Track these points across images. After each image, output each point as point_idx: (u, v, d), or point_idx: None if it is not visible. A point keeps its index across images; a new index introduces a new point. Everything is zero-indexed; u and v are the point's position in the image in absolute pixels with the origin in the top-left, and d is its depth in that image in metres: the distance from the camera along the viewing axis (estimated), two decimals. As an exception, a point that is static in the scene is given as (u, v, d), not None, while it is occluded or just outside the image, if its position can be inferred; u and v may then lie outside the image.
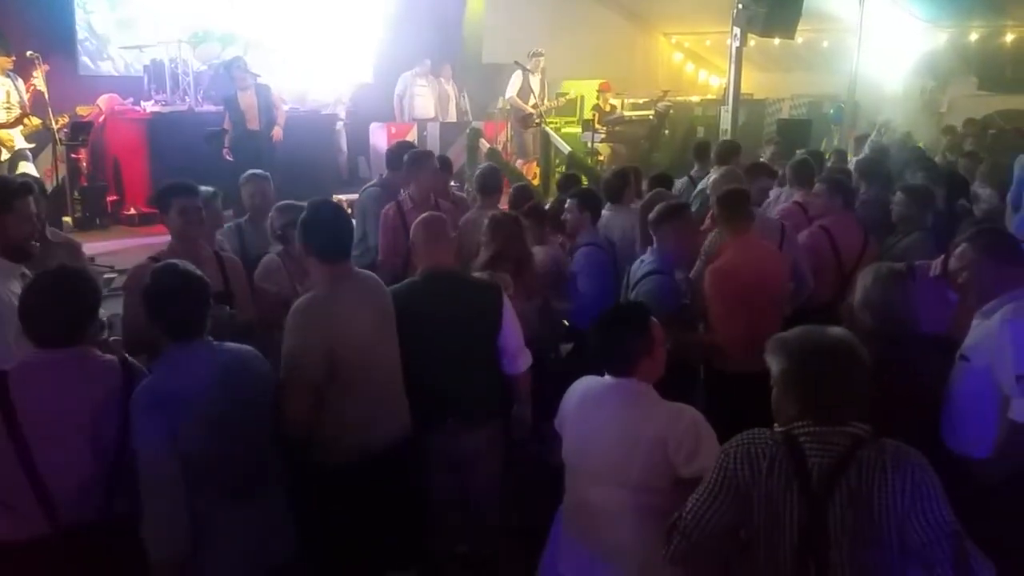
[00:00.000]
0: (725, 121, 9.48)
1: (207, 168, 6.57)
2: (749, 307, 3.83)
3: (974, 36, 11.33)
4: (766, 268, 3.96)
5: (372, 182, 5.59)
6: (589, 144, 10.71)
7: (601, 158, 10.72)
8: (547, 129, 10.31)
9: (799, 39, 9.83)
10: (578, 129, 11.09)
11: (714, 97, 12.59)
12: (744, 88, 11.90)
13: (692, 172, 6.51)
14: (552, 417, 2.79)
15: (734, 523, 2.08)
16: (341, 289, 2.83)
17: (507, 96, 10.24)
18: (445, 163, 5.71)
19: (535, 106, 10.28)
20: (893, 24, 10.55)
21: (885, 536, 1.90)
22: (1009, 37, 11.06)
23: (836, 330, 2.12)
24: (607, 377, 2.58)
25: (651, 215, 4.04)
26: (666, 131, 10.98)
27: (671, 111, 11.26)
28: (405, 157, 4.92)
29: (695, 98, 13.01)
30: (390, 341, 2.99)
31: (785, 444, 2.00)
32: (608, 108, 11.30)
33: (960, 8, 10.59)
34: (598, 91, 11.30)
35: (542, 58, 10.24)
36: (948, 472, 3.03)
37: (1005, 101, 11.27)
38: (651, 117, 11.17)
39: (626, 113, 11.16)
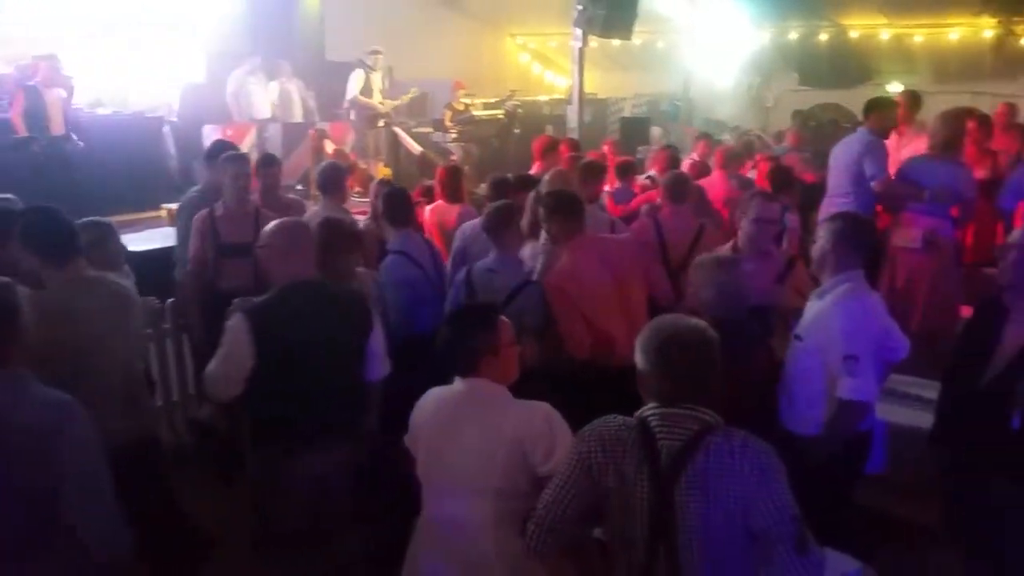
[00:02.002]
0: (571, 120, 9.66)
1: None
2: (603, 306, 3.85)
3: (793, 35, 12.12)
4: (608, 263, 3.93)
5: (195, 187, 5.31)
6: (441, 143, 10.66)
7: (454, 158, 10.67)
8: (396, 129, 10.14)
9: (637, 40, 10.18)
10: (429, 129, 10.99)
11: (561, 96, 12.83)
12: (588, 88, 12.20)
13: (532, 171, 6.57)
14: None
15: (589, 507, 2.10)
16: (67, 289, 2.93)
17: (348, 96, 9.97)
18: (270, 161, 5.39)
19: (380, 105, 10.08)
20: (721, 25, 11.09)
21: (730, 517, 1.95)
22: (824, 36, 11.90)
23: (689, 320, 2.18)
24: (456, 383, 2.52)
25: (489, 220, 3.96)
26: (516, 130, 11.06)
27: (520, 110, 11.36)
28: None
29: (543, 98, 13.22)
30: (119, 344, 3.02)
31: (637, 428, 2.05)
32: (461, 107, 11.28)
33: (780, 9, 11.29)
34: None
35: (381, 55, 10.04)
36: (783, 451, 3.21)
37: (823, 95, 12.15)
38: (501, 116, 11.23)
39: (476, 113, 11.16)
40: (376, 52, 10.00)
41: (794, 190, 6.07)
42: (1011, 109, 7.03)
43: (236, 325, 2.90)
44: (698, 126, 12.25)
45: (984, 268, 5.18)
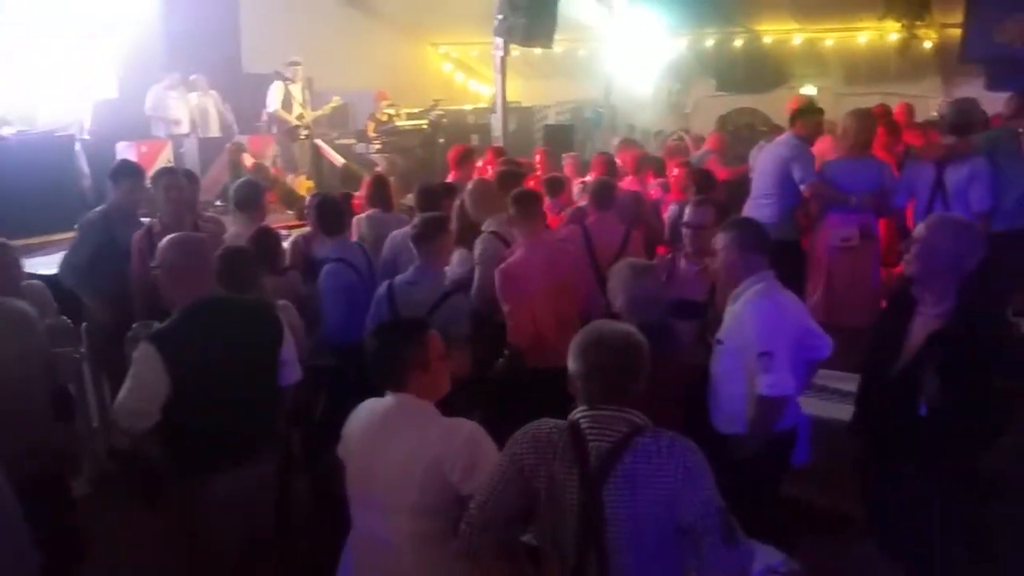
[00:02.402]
0: (496, 128, 9.70)
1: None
2: (541, 305, 3.98)
3: (709, 42, 12.39)
4: (557, 267, 4.14)
5: (100, 207, 5.17)
6: (365, 155, 10.55)
7: (379, 169, 10.57)
8: (318, 142, 10.00)
9: (558, 48, 10.27)
10: (352, 140, 10.86)
11: (486, 105, 12.84)
12: (512, 96, 12.26)
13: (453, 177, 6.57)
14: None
15: (522, 509, 2.13)
16: None
17: (268, 109, 9.80)
18: (188, 178, 5.31)
19: (299, 117, 9.92)
20: (640, 33, 11.28)
21: (659, 516, 1.99)
22: (739, 42, 12.20)
23: (617, 324, 2.26)
24: (387, 396, 2.50)
25: (417, 230, 3.98)
26: (441, 140, 11.02)
27: (444, 120, 11.34)
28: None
29: (468, 107, 13.20)
30: (18, 369, 2.95)
31: (568, 430, 2.08)
32: (385, 118, 11.19)
33: (696, 17, 11.53)
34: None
35: (300, 66, 9.90)
36: (713, 449, 3.29)
37: (740, 100, 12.46)
38: (425, 126, 11.18)
39: (400, 123, 11.08)
40: (295, 63, 9.86)
41: (717, 192, 6.23)
42: (909, 108, 7.32)
43: (145, 354, 2.81)
44: (624, 132, 12.43)
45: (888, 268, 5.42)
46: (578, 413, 2.13)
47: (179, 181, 4.74)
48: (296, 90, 9.95)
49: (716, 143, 8.98)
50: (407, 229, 4.49)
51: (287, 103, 9.81)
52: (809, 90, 11.29)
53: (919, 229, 2.99)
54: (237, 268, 3.48)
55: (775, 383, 3.04)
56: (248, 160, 8.97)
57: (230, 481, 2.94)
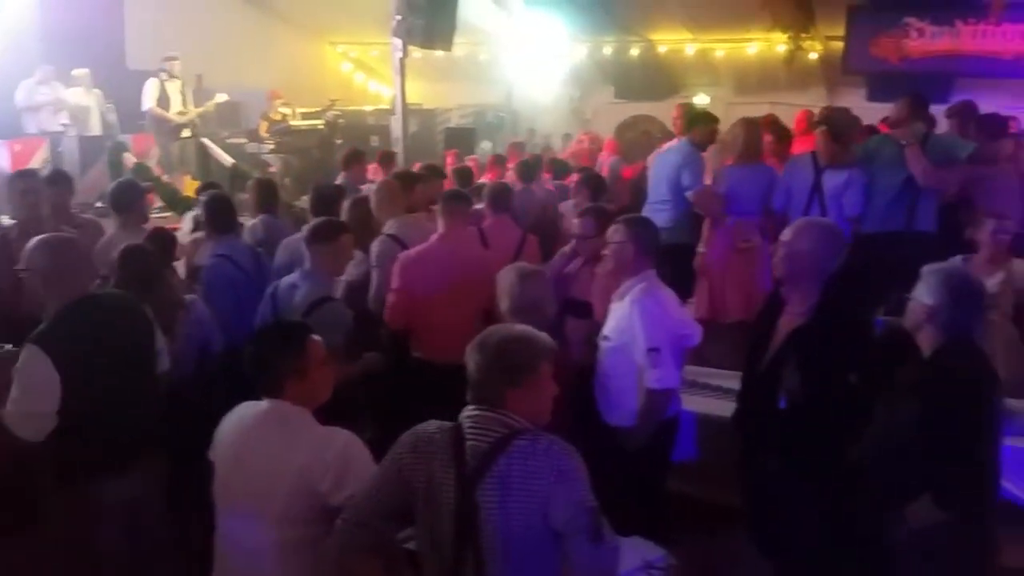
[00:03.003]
0: (396, 130, 9.61)
1: None
2: (440, 298, 4.00)
3: (607, 50, 12.61)
4: (463, 263, 4.15)
5: None
6: (257, 155, 10.24)
7: (272, 170, 10.28)
8: (205, 141, 9.64)
9: (460, 52, 10.24)
10: (243, 140, 10.53)
11: (386, 107, 12.69)
12: (414, 98, 12.13)
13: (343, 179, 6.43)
14: None
15: (399, 507, 2.12)
16: None
17: (144, 106, 9.39)
18: (58, 179, 5.02)
19: (180, 114, 9.54)
20: (540, 38, 11.38)
21: (533, 518, 1.99)
22: (635, 51, 12.46)
23: (512, 327, 2.27)
24: (263, 401, 2.43)
25: (310, 232, 3.87)
26: (338, 140, 10.81)
27: (341, 120, 11.13)
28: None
29: (368, 107, 13.02)
30: None
31: (451, 431, 2.08)
32: (278, 117, 10.88)
33: (594, 25, 11.71)
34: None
35: (178, 61, 9.52)
36: (603, 444, 3.35)
37: (637, 108, 12.71)
38: (321, 127, 10.94)
39: (294, 123, 10.81)
40: (171, 58, 9.47)
41: (619, 193, 6.37)
42: (809, 115, 7.57)
43: (31, 356, 2.72)
44: (524, 137, 12.51)
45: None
46: (465, 412, 2.13)
47: (34, 184, 4.49)
48: (174, 87, 9.55)
49: (613, 148, 9.11)
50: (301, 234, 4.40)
51: (164, 101, 9.41)
52: (702, 99, 11.61)
53: (785, 233, 3.15)
54: (138, 266, 3.47)
55: (662, 377, 3.22)
56: (130, 160, 8.55)
57: (118, 485, 2.86)
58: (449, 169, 7.72)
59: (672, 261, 5.64)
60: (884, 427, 2.73)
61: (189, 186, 8.85)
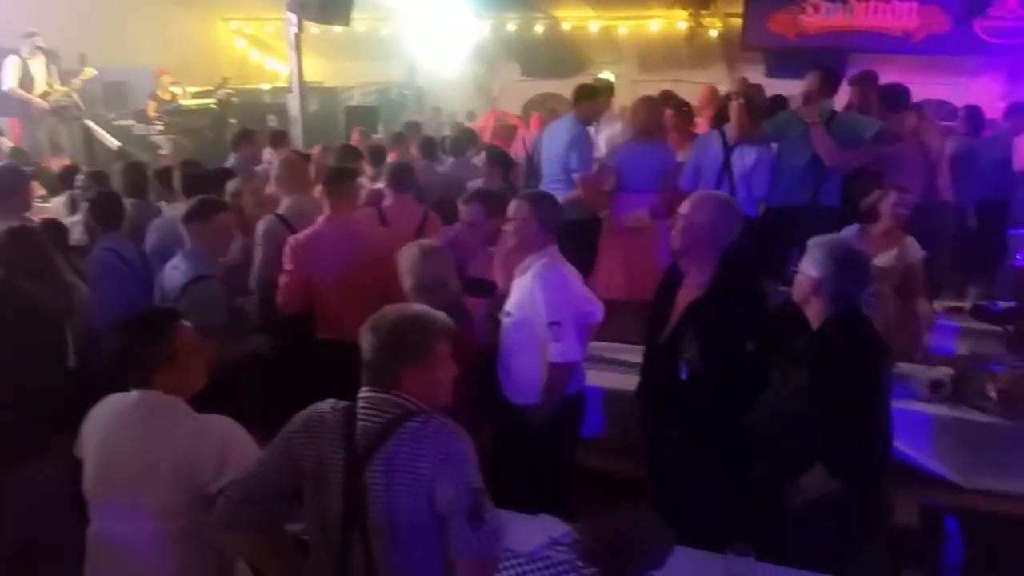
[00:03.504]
0: (293, 108, 9.32)
1: None
2: (336, 278, 3.97)
3: (512, 27, 12.49)
4: (358, 242, 4.11)
5: None
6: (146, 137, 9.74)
7: (163, 152, 9.80)
8: (88, 123, 9.10)
9: (360, 27, 9.95)
10: (131, 121, 10.00)
11: (284, 85, 12.28)
12: (315, 76, 11.76)
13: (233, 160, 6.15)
14: None
15: (286, 487, 2.05)
16: None
17: (4, 87, 8.79)
18: None
19: (44, 95, 8.96)
20: (443, 14, 11.18)
21: (419, 501, 1.94)
22: (539, 28, 12.39)
23: (408, 307, 2.21)
24: (133, 392, 2.32)
25: (188, 211, 3.78)
26: (232, 120, 10.39)
27: (235, 99, 10.70)
28: None
29: (265, 86, 12.59)
30: None
31: (343, 410, 2.02)
32: (168, 97, 10.37)
33: (498, 1, 11.59)
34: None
35: (39, 37, 8.94)
36: (508, 422, 3.31)
37: (544, 85, 12.67)
38: (213, 106, 10.49)
39: (184, 103, 10.33)
40: (31, 34, 8.88)
41: (517, 170, 6.31)
42: (713, 90, 7.63)
43: None
44: (430, 115, 12.32)
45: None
46: (360, 393, 2.08)
47: None
48: (38, 65, 8.95)
49: (540, 125, 9.00)
50: (172, 214, 4.38)
51: (27, 80, 8.82)
52: (607, 76, 11.60)
53: (684, 206, 3.16)
54: (27, 251, 3.30)
55: (565, 350, 3.20)
56: (5, 144, 7.99)
57: (18, 480, 2.81)
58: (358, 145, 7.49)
59: (571, 238, 5.68)
60: (777, 397, 2.76)
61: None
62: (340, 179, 4.27)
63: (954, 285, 5.33)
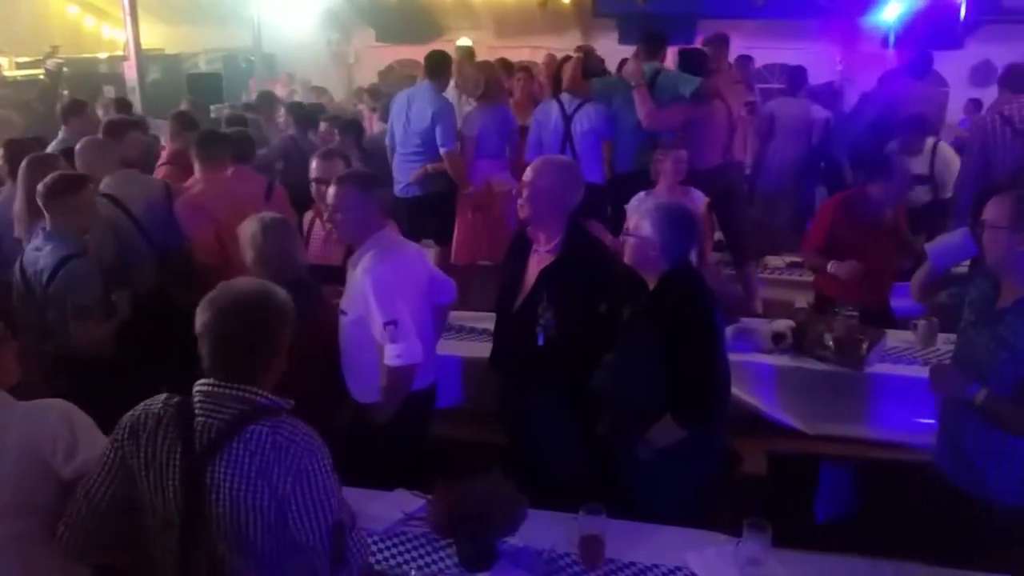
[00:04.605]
0: (131, 77, 8.72)
1: None
2: (228, 232, 3.69)
3: (360, -10, 12.13)
4: (241, 198, 4.07)
5: None
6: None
7: (-13, 128, 8.95)
8: None
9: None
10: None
11: (123, 53, 11.47)
12: (155, 43, 11.04)
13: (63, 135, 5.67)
14: None
15: (126, 496, 1.88)
16: None
17: None
18: None
19: None
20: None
21: (263, 511, 1.79)
22: (395, -8, 12.09)
23: (248, 285, 1.93)
24: None
25: (47, 188, 3.45)
26: (64, 91, 9.61)
27: (66, 69, 9.90)
28: None
29: (102, 55, 11.74)
30: None
31: (178, 406, 1.83)
32: (-10, 68, 9.48)
33: (350, -37, 11.22)
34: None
35: None
36: (353, 421, 3.14)
37: (400, 51, 12.40)
38: (42, 77, 9.68)
39: (8, 74, 9.47)
40: None
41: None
42: (552, 58, 7.65)
43: None
44: (284, 82, 11.79)
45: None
46: (197, 387, 1.86)
47: None
48: None
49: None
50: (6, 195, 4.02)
51: None
52: (465, 42, 11.50)
53: (527, 173, 3.10)
54: None
55: (403, 352, 2.91)
56: None
57: None
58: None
59: (431, 212, 5.61)
60: (622, 353, 2.80)
61: None
62: (210, 143, 4.34)
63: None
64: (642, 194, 4.57)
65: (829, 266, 4.14)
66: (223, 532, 1.80)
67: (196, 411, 1.83)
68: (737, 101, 5.56)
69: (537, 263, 3.08)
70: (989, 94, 6.57)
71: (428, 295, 3.18)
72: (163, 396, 1.91)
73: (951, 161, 5.56)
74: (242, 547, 1.81)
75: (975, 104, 8.84)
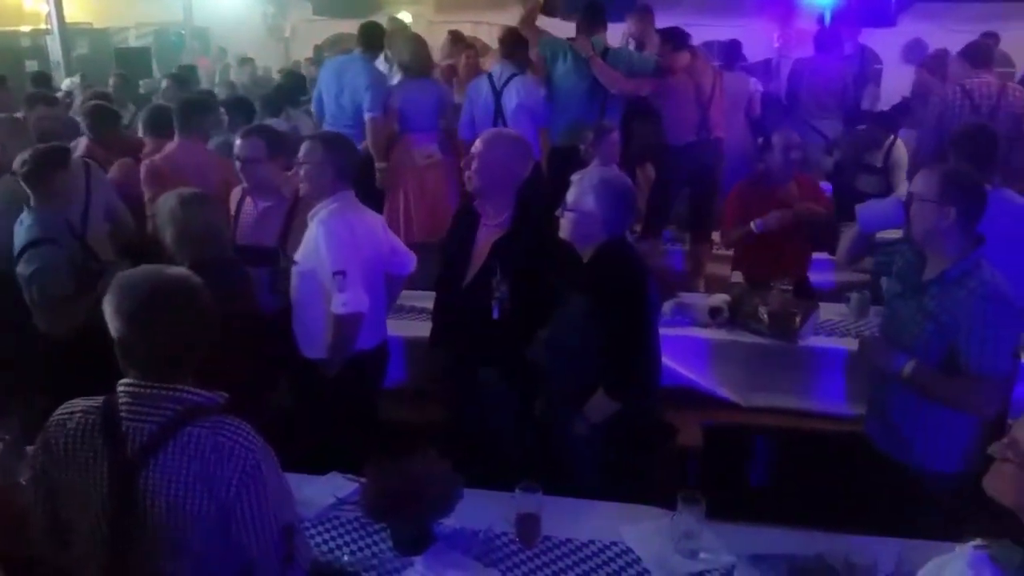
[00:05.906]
0: (55, 52, 8.38)
1: None
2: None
3: (301, -37, 11.81)
4: (208, 170, 4.07)
5: None
6: None
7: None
8: None
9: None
10: None
11: (47, 27, 11.02)
12: (82, 16, 10.61)
13: None
14: None
15: (60, 524, 1.74)
16: None
17: None
18: None
19: None
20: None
21: (206, 521, 1.66)
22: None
23: (165, 271, 1.77)
24: None
25: (28, 167, 3.38)
26: (-17, 67, 9.18)
27: (-16, 43, 9.46)
28: None
29: (25, 28, 11.25)
30: None
31: (102, 409, 1.68)
32: None
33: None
34: None
35: None
36: (304, 377, 3.15)
37: (339, 25, 12.10)
38: (-45, 51, 9.23)
39: (-80, 46, 9.00)
40: None
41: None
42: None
43: None
44: (215, 57, 11.45)
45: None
46: (121, 387, 1.71)
47: None
48: None
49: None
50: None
51: None
52: (405, 16, 11.30)
53: (476, 146, 3.09)
54: None
55: (349, 301, 3.01)
56: None
57: None
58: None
59: (360, 183, 5.52)
60: (556, 328, 2.80)
61: None
62: (191, 113, 4.34)
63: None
64: (577, 174, 4.54)
65: (753, 225, 4.17)
66: (158, 541, 1.67)
67: (122, 414, 1.68)
68: (708, 79, 5.56)
69: (487, 236, 3.07)
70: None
71: (385, 262, 3.27)
72: (80, 402, 1.75)
73: (903, 161, 5.63)
74: (178, 555, 1.69)
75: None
